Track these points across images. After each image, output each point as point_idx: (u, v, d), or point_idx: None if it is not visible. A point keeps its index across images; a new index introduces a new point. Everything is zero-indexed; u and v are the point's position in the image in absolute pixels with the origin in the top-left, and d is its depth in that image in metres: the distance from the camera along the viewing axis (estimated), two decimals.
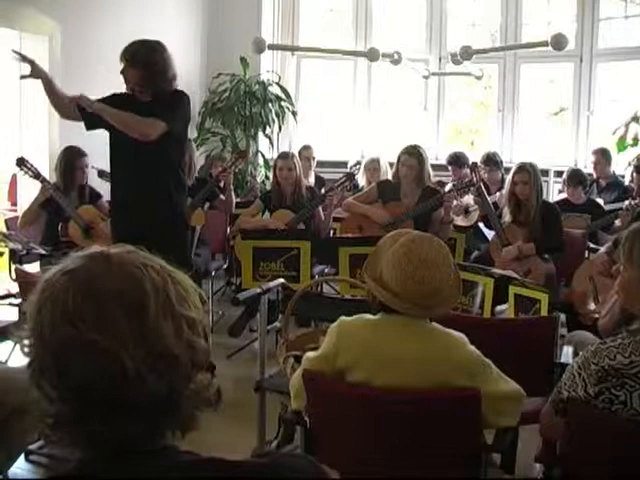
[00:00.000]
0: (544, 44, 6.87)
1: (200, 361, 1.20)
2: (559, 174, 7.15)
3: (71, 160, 5.48)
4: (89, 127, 4.38)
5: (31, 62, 4.20)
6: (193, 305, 1.22)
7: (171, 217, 4.36)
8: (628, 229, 2.27)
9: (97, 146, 6.18)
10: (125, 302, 1.13)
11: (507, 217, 5.31)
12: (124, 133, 4.11)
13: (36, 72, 4.21)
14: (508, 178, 5.40)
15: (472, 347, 2.31)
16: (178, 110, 4.31)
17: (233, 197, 5.98)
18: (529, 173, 5.17)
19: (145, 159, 4.16)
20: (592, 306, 4.36)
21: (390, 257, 2.30)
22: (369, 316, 2.40)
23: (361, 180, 6.77)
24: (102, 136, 6.50)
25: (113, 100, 4.29)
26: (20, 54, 4.24)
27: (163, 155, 4.25)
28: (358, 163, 7.26)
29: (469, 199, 6.00)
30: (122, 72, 4.26)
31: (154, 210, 4.26)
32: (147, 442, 1.16)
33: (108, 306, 1.12)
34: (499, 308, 4.14)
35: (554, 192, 7.83)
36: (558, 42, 6.63)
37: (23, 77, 4.29)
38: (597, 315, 3.80)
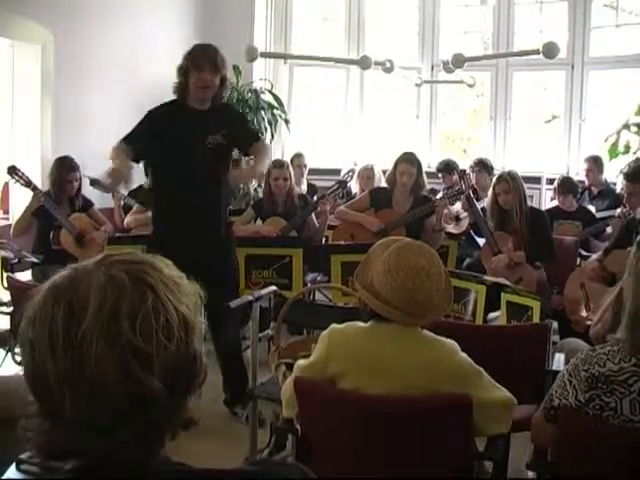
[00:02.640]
0: (536, 52, 6.90)
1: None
2: (551, 181, 7.16)
3: (61, 174, 5.47)
4: (137, 160, 4.33)
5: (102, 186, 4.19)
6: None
7: (225, 231, 4.41)
8: None
9: (89, 155, 6.21)
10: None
11: (491, 228, 5.32)
12: (185, 153, 4.10)
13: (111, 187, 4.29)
14: (490, 190, 5.41)
15: (463, 354, 2.32)
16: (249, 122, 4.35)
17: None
18: (508, 182, 5.17)
19: (209, 175, 4.20)
20: (584, 313, 4.38)
21: (381, 265, 2.31)
22: (360, 324, 2.40)
23: (354, 187, 6.77)
24: (94, 145, 6.54)
25: (159, 109, 4.31)
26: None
27: (224, 170, 4.34)
28: (351, 171, 7.26)
29: (459, 206, 6.01)
30: (204, 77, 4.12)
31: (213, 226, 4.29)
32: (138, 453, 1.14)
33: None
34: (491, 315, 4.15)
35: (546, 199, 7.84)
36: (550, 50, 6.65)
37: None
38: (589, 322, 3.81)
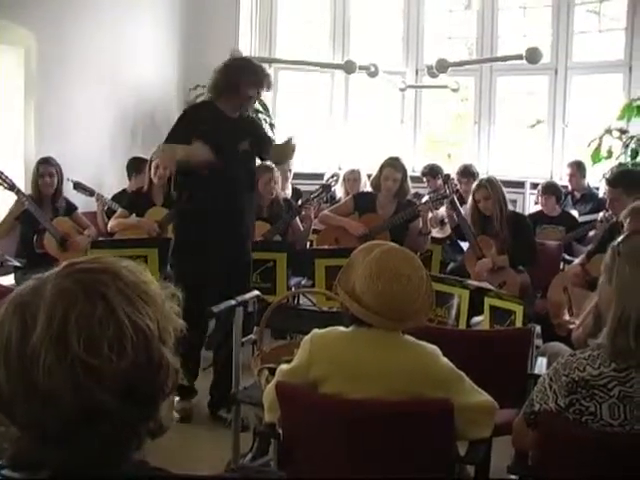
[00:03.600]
0: (519, 57, 6.95)
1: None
2: (535, 186, 7.20)
3: (36, 169, 5.45)
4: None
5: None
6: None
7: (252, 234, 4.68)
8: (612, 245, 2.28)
9: (73, 157, 6.19)
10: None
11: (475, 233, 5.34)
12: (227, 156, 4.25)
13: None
14: (470, 197, 5.43)
15: (445, 359, 2.33)
16: None
17: None
18: (487, 188, 5.19)
19: (245, 178, 4.38)
20: (567, 317, 4.39)
21: (362, 270, 2.32)
22: (342, 328, 2.41)
23: (339, 191, 6.78)
24: (78, 148, 6.51)
25: (200, 109, 4.56)
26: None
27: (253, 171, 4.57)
28: (335, 175, 7.26)
29: (444, 210, 6.02)
30: (254, 96, 4.42)
31: (247, 229, 4.50)
32: (100, 462, 1.13)
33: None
34: (475, 320, 4.16)
35: (530, 204, 7.88)
36: (533, 55, 6.70)
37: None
38: (572, 326, 3.83)
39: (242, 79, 4.28)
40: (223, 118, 4.32)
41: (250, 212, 4.54)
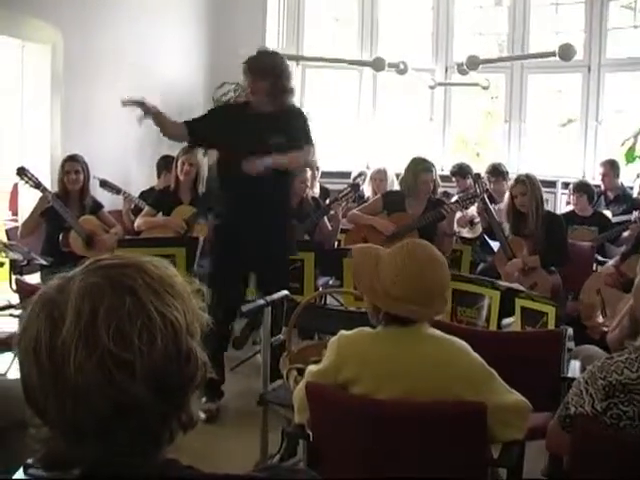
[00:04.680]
0: (552, 54, 6.89)
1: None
2: (567, 186, 7.14)
3: (62, 166, 5.50)
4: (193, 144, 4.74)
5: (141, 103, 4.44)
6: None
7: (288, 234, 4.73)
8: None
9: (99, 156, 6.22)
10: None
11: (507, 232, 5.31)
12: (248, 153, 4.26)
13: (147, 111, 4.46)
14: (507, 192, 5.40)
15: (475, 355, 2.32)
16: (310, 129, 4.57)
17: None
18: (526, 184, 5.16)
19: (277, 172, 4.37)
20: (600, 319, 4.35)
21: (388, 262, 2.35)
22: (368, 329, 2.41)
23: (367, 191, 6.76)
24: (105, 145, 6.56)
25: (225, 111, 4.62)
26: (130, 101, 4.53)
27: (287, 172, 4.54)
28: (361, 174, 7.26)
29: (474, 210, 6.00)
30: (249, 85, 4.41)
31: (277, 226, 4.49)
32: (133, 459, 1.14)
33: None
34: (505, 321, 4.13)
35: (562, 204, 7.82)
36: (566, 52, 6.65)
37: (140, 121, 4.51)
38: (605, 329, 3.79)
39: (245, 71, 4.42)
40: (253, 113, 4.36)
41: (282, 209, 4.55)
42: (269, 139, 4.31)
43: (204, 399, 4.22)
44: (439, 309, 2.39)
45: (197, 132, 4.49)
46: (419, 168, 5.58)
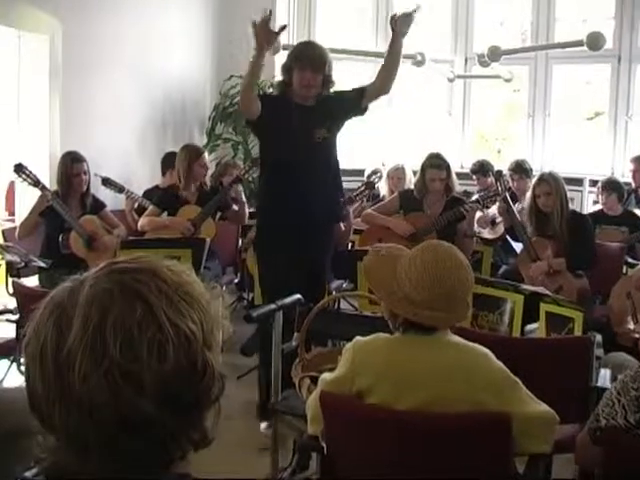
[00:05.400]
0: (579, 43, 6.85)
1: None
2: (594, 183, 7.10)
3: (67, 167, 5.49)
4: (252, 127, 4.71)
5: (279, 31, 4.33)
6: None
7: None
8: None
9: (101, 152, 6.23)
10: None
11: (530, 232, 5.29)
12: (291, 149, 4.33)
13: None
14: (529, 192, 5.37)
15: (498, 362, 2.31)
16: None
17: (246, 207, 5.99)
18: (550, 183, 5.14)
19: (318, 170, 4.46)
20: (631, 325, 4.32)
21: (406, 266, 2.34)
22: (385, 335, 2.41)
23: (382, 189, 6.76)
24: (106, 141, 6.57)
25: (273, 102, 4.59)
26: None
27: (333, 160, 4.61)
28: (376, 171, 7.24)
29: (496, 210, 5.98)
30: (306, 76, 4.34)
31: (324, 223, 4.57)
32: (157, 471, 1.13)
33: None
34: (529, 327, 4.11)
35: (589, 203, 7.79)
36: (594, 41, 6.60)
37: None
38: (637, 335, 3.77)
39: (289, 68, 4.40)
40: (294, 108, 4.39)
41: (328, 208, 4.57)
42: (315, 134, 4.40)
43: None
44: (462, 314, 2.39)
45: (263, 113, 4.43)
46: (425, 164, 5.60)
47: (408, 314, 2.32)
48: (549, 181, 5.15)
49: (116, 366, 1.06)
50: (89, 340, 1.07)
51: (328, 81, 4.45)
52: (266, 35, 4.14)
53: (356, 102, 4.55)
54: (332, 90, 4.57)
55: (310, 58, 4.34)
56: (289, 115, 4.37)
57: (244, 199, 6.00)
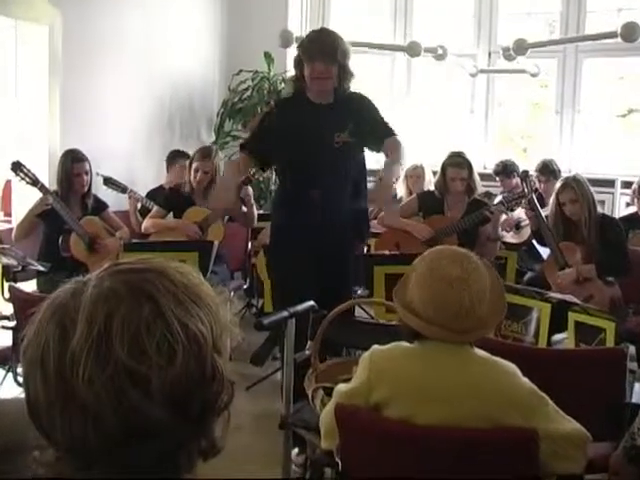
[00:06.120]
0: (612, 35, 6.81)
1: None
2: (627, 185, 7.06)
3: (67, 166, 5.50)
4: (263, 168, 4.77)
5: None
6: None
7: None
8: None
9: (103, 150, 6.24)
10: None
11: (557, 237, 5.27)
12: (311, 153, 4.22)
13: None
14: (552, 199, 5.33)
15: (525, 379, 2.30)
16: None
17: (255, 209, 5.98)
18: (575, 189, 5.10)
19: (339, 178, 4.34)
20: None
21: (416, 279, 2.33)
22: (405, 344, 2.40)
23: (400, 190, 6.75)
24: (108, 138, 6.58)
25: (285, 103, 4.57)
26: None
27: (359, 172, 4.48)
28: None
29: (520, 213, 5.96)
30: (317, 68, 4.19)
31: (345, 233, 4.44)
32: None
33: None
34: (556, 337, 4.09)
35: (621, 206, 7.75)
36: (630, 32, 6.54)
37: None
38: None
39: (299, 61, 4.28)
40: (311, 107, 4.30)
41: (347, 224, 4.43)
42: (334, 137, 4.23)
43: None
44: (483, 333, 2.36)
45: (261, 157, 4.42)
46: (445, 163, 5.60)
47: (419, 328, 2.32)
48: (574, 187, 5.11)
49: (123, 368, 1.06)
50: (94, 341, 1.07)
51: (345, 72, 4.28)
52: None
53: (375, 141, 4.40)
54: (361, 93, 4.47)
55: (319, 47, 4.17)
56: (301, 114, 4.27)
57: (252, 201, 5.97)
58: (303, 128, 4.22)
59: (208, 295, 1.19)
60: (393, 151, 4.33)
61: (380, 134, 4.36)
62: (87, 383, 1.06)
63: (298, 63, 4.28)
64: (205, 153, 5.78)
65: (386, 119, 4.41)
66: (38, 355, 1.10)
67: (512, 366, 2.31)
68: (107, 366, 1.06)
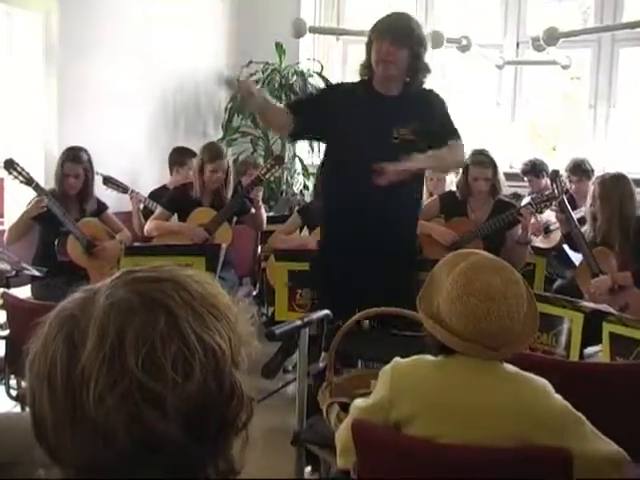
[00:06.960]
0: None
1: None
2: None
3: (60, 165, 5.52)
4: (294, 138, 4.65)
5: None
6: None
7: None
8: None
9: (103, 147, 6.26)
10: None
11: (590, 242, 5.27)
12: (365, 146, 4.11)
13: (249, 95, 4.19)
14: (589, 197, 5.34)
15: (558, 396, 2.28)
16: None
17: (263, 211, 5.98)
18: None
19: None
20: None
21: (446, 289, 2.30)
22: (429, 357, 2.39)
23: None
24: (108, 134, 6.60)
25: (341, 88, 4.48)
26: (231, 81, 4.36)
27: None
28: None
29: (550, 215, 5.96)
30: (384, 49, 4.10)
31: (398, 239, 4.40)
32: None
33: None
34: (589, 350, 4.09)
35: None
36: None
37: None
38: None
39: (369, 43, 4.20)
40: (372, 98, 4.24)
41: (399, 220, 4.39)
42: (392, 131, 4.16)
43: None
44: (515, 349, 2.35)
45: (302, 121, 4.28)
46: (469, 161, 5.58)
47: (448, 343, 2.30)
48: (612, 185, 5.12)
49: (136, 385, 1.06)
50: (106, 356, 1.07)
51: (419, 63, 4.20)
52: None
53: (436, 143, 4.25)
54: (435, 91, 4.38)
55: (391, 27, 4.08)
56: (362, 102, 4.21)
57: (261, 203, 5.94)
58: (360, 117, 4.16)
59: (226, 306, 1.19)
60: (449, 150, 4.27)
61: (444, 136, 4.30)
62: (98, 400, 1.06)
63: (368, 46, 4.21)
64: (217, 152, 5.72)
65: (456, 124, 4.36)
66: (45, 371, 1.10)
67: (544, 382, 2.30)
68: (120, 382, 1.06)
